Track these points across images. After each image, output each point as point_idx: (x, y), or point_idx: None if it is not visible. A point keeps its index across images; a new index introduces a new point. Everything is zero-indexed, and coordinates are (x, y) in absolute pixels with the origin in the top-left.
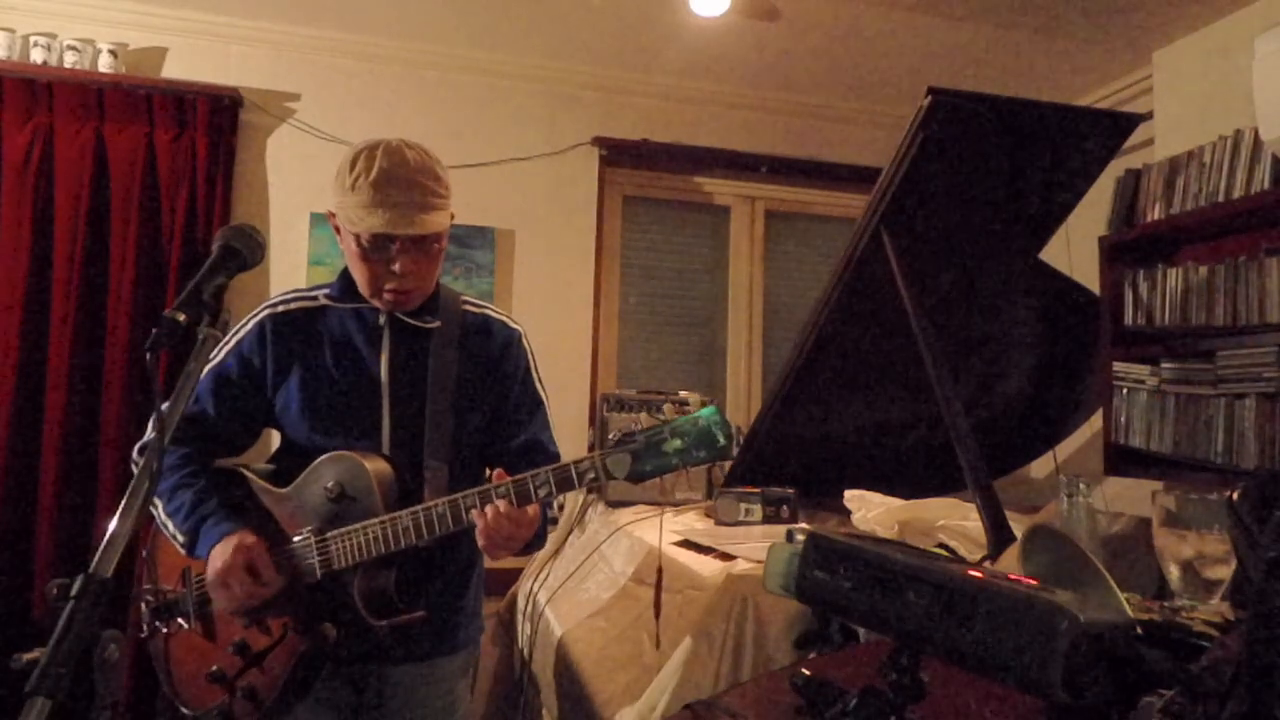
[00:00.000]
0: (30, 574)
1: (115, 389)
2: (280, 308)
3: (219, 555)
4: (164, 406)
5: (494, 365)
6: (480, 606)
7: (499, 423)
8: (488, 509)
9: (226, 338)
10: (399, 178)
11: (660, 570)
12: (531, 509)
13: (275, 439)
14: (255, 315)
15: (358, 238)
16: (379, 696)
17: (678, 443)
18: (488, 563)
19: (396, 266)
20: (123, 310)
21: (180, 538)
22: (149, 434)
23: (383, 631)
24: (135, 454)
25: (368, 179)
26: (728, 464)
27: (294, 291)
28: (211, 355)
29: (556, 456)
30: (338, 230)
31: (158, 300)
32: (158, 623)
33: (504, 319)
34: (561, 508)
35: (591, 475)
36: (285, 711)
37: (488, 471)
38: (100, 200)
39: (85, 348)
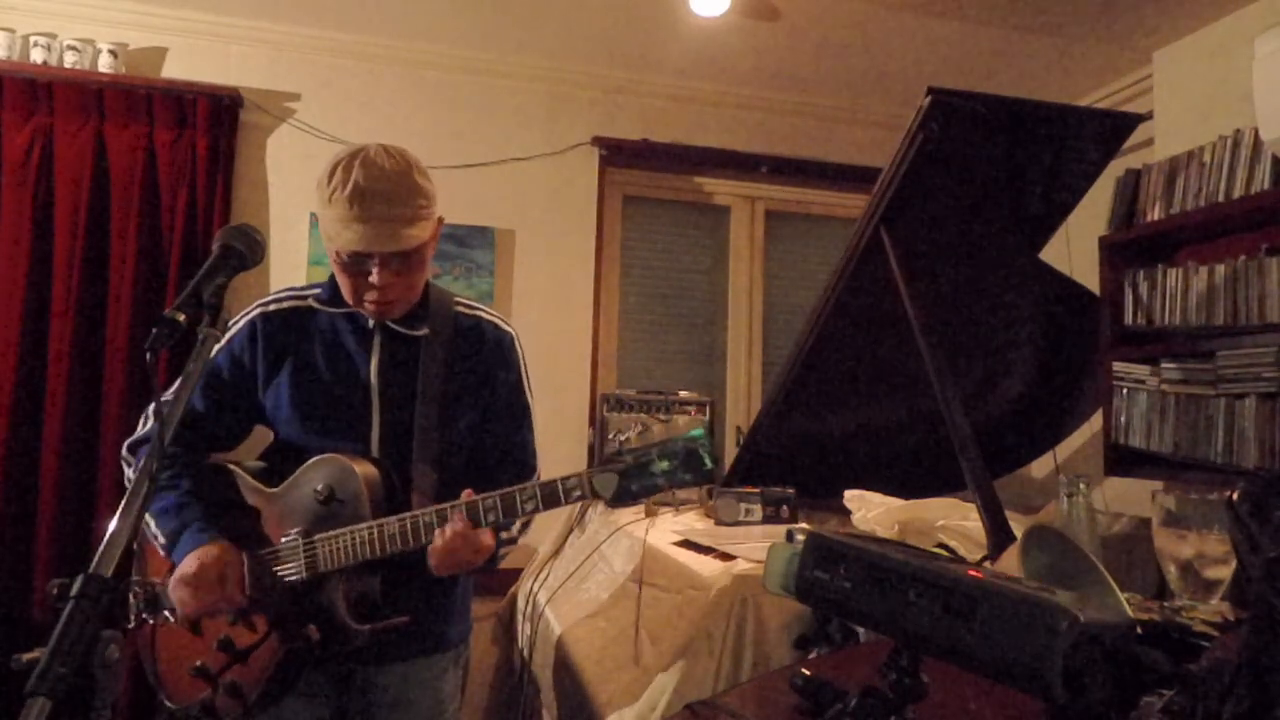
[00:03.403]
0: (30, 574)
1: (115, 389)
2: (271, 307)
3: (192, 561)
4: (163, 407)
5: (485, 369)
6: (469, 606)
7: (485, 426)
8: (446, 528)
9: None
10: (375, 191)
11: (640, 567)
12: (486, 538)
13: (268, 436)
14: (246, 314)
15: (337, 252)
16: (365, 696)
17: (664, 464)
18: None
19: (375, 279)
20: (123, 310)
21: (161, 539)
22: (140, 430)
23: (365, 636)
24: (125, 451)
25: (343, 193)
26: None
27: (285, 290)
28: None
29: (532, 467)
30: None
31: (158, 300)
32: (145, 614)
33: (496, 321)
34: (525, 526)
35: (578, 493)
36: (268, 708)
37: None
38: (100, 200)
39: (85, 347)
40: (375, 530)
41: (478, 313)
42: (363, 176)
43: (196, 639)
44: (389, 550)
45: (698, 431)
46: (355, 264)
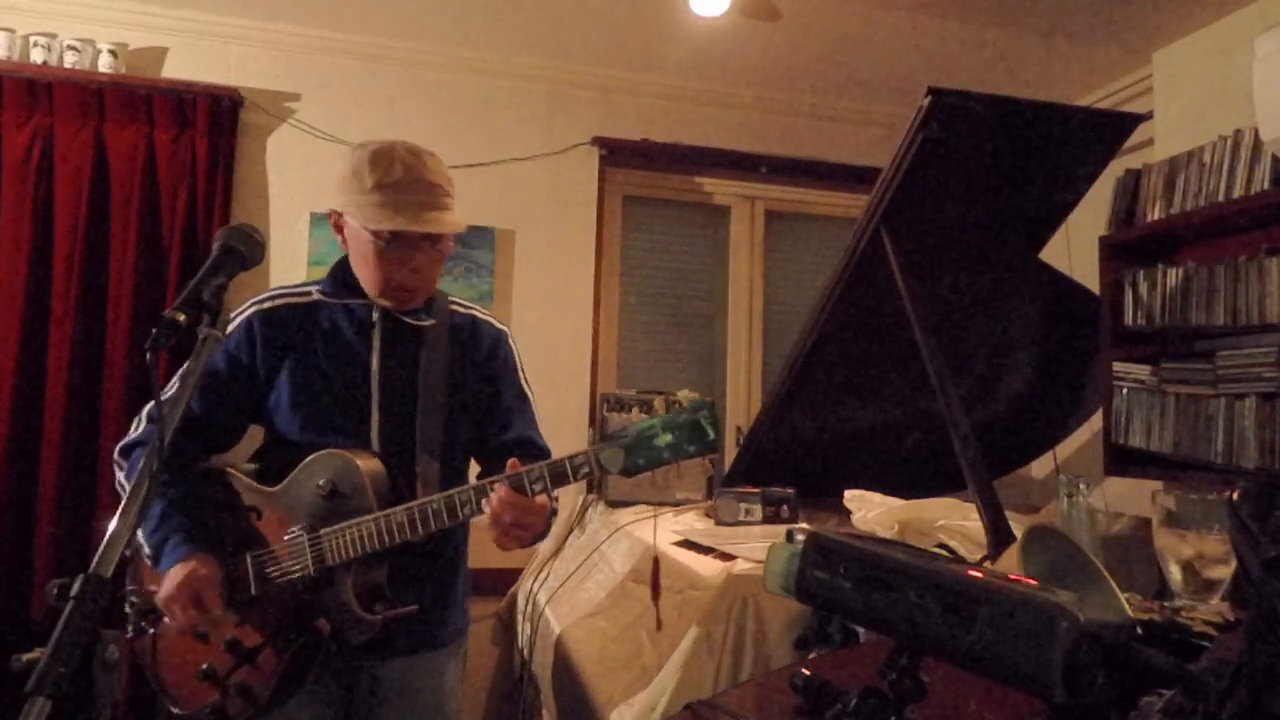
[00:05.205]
0: (30, 574)
1: (115, 389)
2: (267, 304)
3: (171, 579)
4: (163, 407)
5: (482, 364)
6: (466, 599)
7: (490, 419)
8: (493, 496)
9: None
10: (419, 179)
11: (656, 563)
12: (539, 497)
13: (258, 437)
14: (241, 313)
15: (376, 236)
16: (371, 691)
17: (669, 437)
18: (489, 562)
19: (414, 265)
20: (123, 310)
21: (147, 549)
22: (132, 432)
23: (376, 626)
24: (117, 454)
25: (390, 179)
26: (718, 458)
27: (280, 288)
28: None
29: (547, 451)
30: (339, 229)
31: (158, 300)
32: (143, 623)
33: (490, 319)
34: (557, 499)
35: (585, 469)
36: (279, 707)
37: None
38: (100, 200)
39: (85, 347)
40: (383, 520)
41: (472, 312)
42: (408, 164)
43: (201, 643)
44: (398, 539)
45: (700, 403)
46: (395, 249)
